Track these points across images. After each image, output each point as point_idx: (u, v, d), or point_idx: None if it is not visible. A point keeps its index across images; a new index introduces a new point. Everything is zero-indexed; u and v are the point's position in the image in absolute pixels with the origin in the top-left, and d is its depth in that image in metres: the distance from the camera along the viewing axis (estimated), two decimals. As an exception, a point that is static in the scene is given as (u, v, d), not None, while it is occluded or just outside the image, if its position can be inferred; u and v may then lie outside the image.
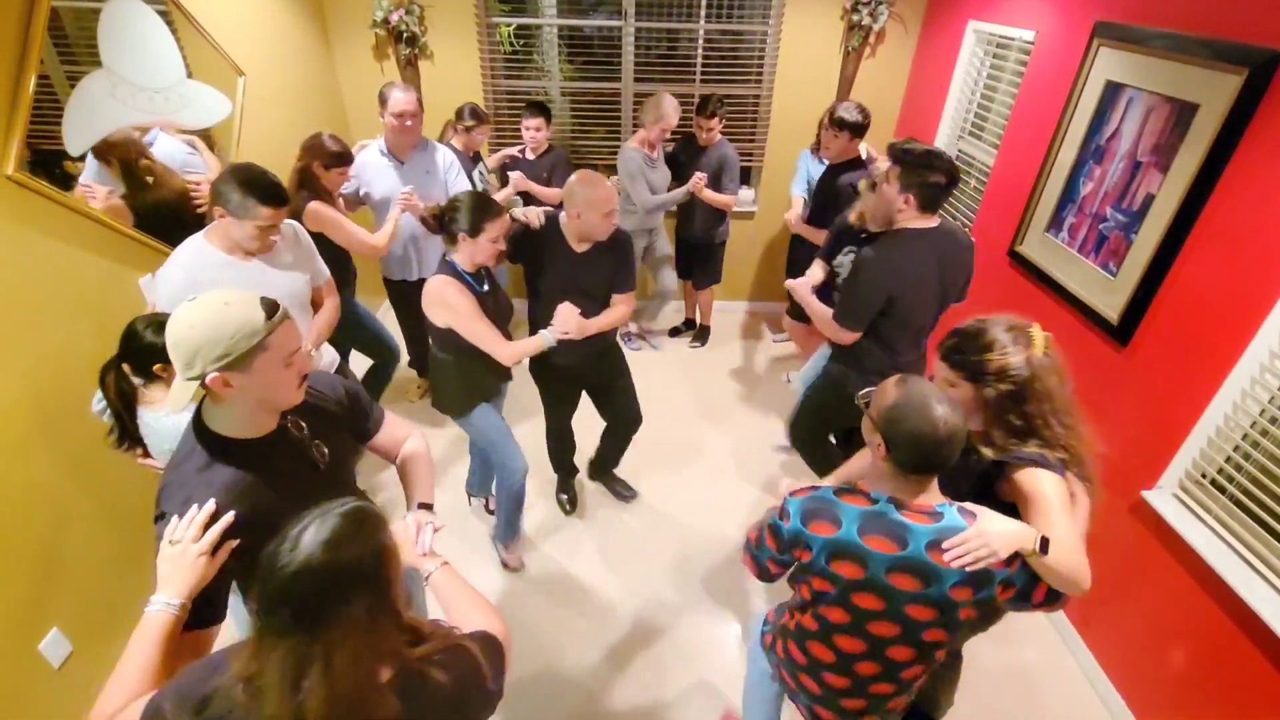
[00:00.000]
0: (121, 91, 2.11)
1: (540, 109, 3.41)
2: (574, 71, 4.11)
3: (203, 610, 1.10)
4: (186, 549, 1.07)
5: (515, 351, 2.17)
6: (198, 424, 1.19)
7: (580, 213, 2.12)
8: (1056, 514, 1.33)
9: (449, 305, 2.04)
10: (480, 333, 2.09)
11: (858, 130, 3.01)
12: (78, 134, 1.96)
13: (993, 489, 1.48)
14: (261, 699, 0.84)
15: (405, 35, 3.62)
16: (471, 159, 3.42)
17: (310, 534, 0.84)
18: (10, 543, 1.74)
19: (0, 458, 1.72)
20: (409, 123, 2.79)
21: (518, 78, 4.02)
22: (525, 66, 4.04)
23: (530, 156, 3.51)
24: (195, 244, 1.93)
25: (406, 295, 3.11)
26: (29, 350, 1.80)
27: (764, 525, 1.43)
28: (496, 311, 2.17)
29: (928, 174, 1.95)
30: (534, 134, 3.42)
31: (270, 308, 1.13)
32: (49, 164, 1.88)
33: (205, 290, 1.11)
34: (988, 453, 1.45)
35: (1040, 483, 1.38)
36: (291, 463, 1.26)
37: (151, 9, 2.22)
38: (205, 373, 1.07)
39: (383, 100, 2.78)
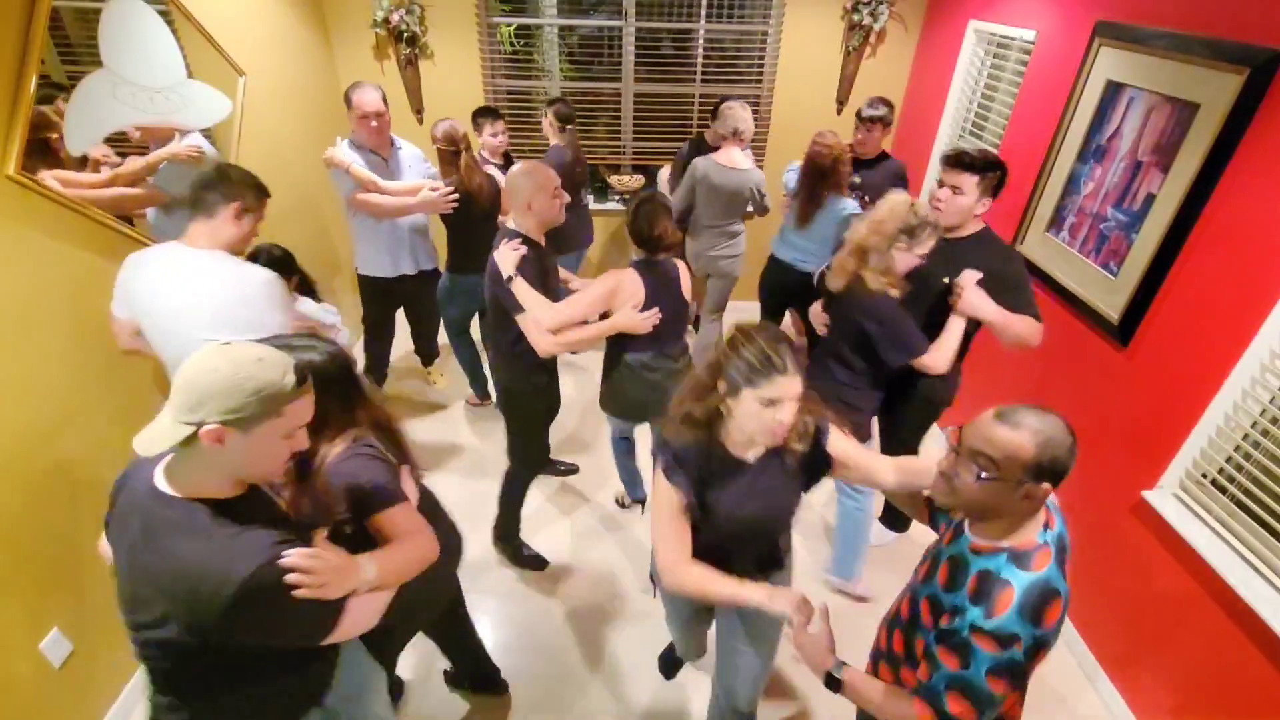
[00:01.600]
0: (122, 92, 2.11)
1: (496, 114, 3.29)
2: (574, 71, 4.11)
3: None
4: (324, 564, 1.10)
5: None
6: (157, 488, 1.08)
7: (531, 201, 2.10)
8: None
9: None
10: None
11: (887, 122, 3.17)
12: (79, 134, 1.97)
13: (818, 477, 1.53)
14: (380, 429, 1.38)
15: (405, 35, 3.62)
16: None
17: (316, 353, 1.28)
18: (10, 542, 1.74)
19: (0, 457, 1.72)
20: (374, 123, 2.76)
21: (518, 77, 4.03)
22: (526, 66, 4.05)
23: (496, 162, 3.35)
24: (219, 254, 1.82)
25: (412, 289, 3.19)
26: (30, 350, 1.80)
27: (967, 685, 1.11)
28: None
29: (998, 173, 2.06)
30: (497, 139, 3.30)
31: (302, 375, 1.09)
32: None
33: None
34: (800, 446, 1.44)
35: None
36: (263, 517, 1.17)
37: (152, 9, 2.22)
38: (206, 422, 0.99)
39: (347, 101, 2.74)
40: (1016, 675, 1.09)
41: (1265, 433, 1.79)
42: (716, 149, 3.45)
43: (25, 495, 1.78)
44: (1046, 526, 1.16)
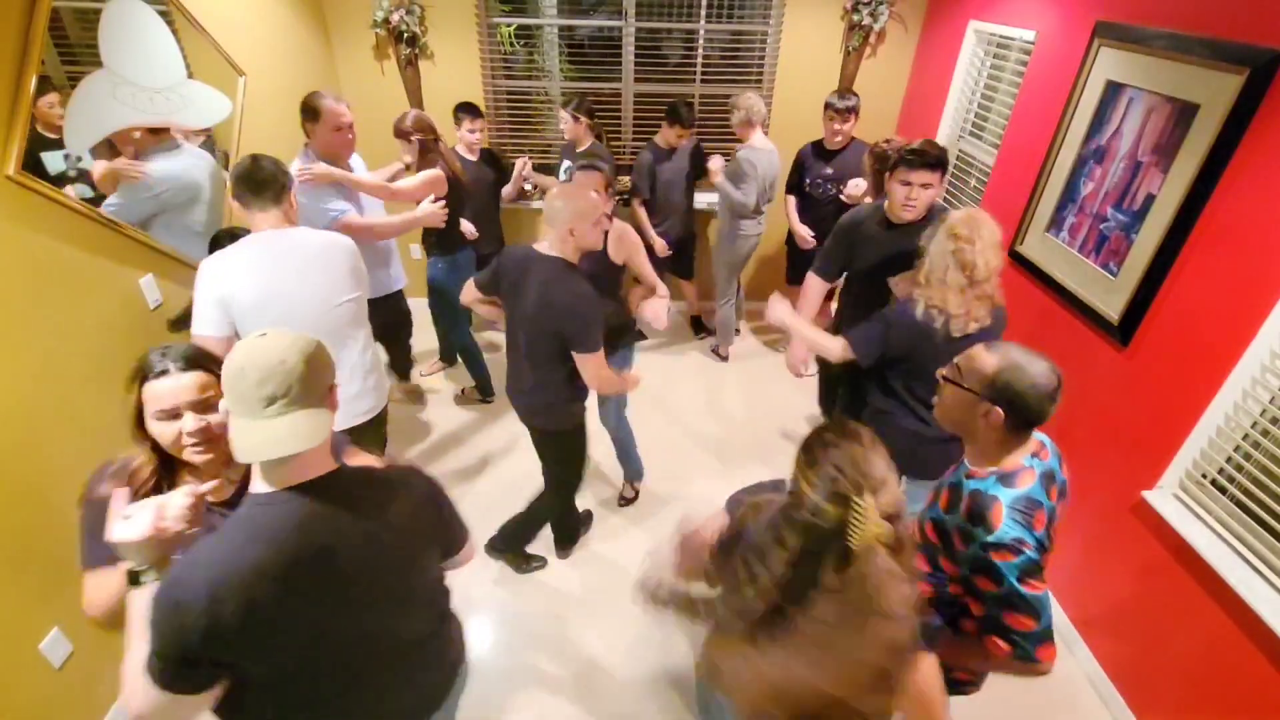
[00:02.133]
0: (122, 92, 2.11)
1: (477, 111, 3.35)
2: (574, 71, 4.11)
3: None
4: None
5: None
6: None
7: (574, 228, 1.96)
8: None
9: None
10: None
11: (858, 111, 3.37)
12: (79, 134, 1.96)
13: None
14: None
15: (405, 35, 3.62)
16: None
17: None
18: (11, 542, 1.74)
19: (0, 457, 1.71)
20: (350, 135, 2.62)
21: (518, 78, 4.02)
22: (526, 66, 4.05)
23: (472, 158, 3.44)
24: (307, 229, 2.03)
25: (388, 308, 3.14)
26: (29, 350, 1.80)
27: (1012, 599, 1.22)
28: None
29: None
30: (475, 135, 3.37)
31: None
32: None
33: None
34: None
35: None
36: None
37: (152, 9, 2.22)
38: (333, 389, 1.07)
39: (316, 112, 2.51)
40: (1039, 573, 1.23)
41: (1265, 433, 1.79)
42: (673, 150, 3.62)
43: (25, 494, 1.78)
44: (1037, 456, 1.32)
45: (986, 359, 1.29)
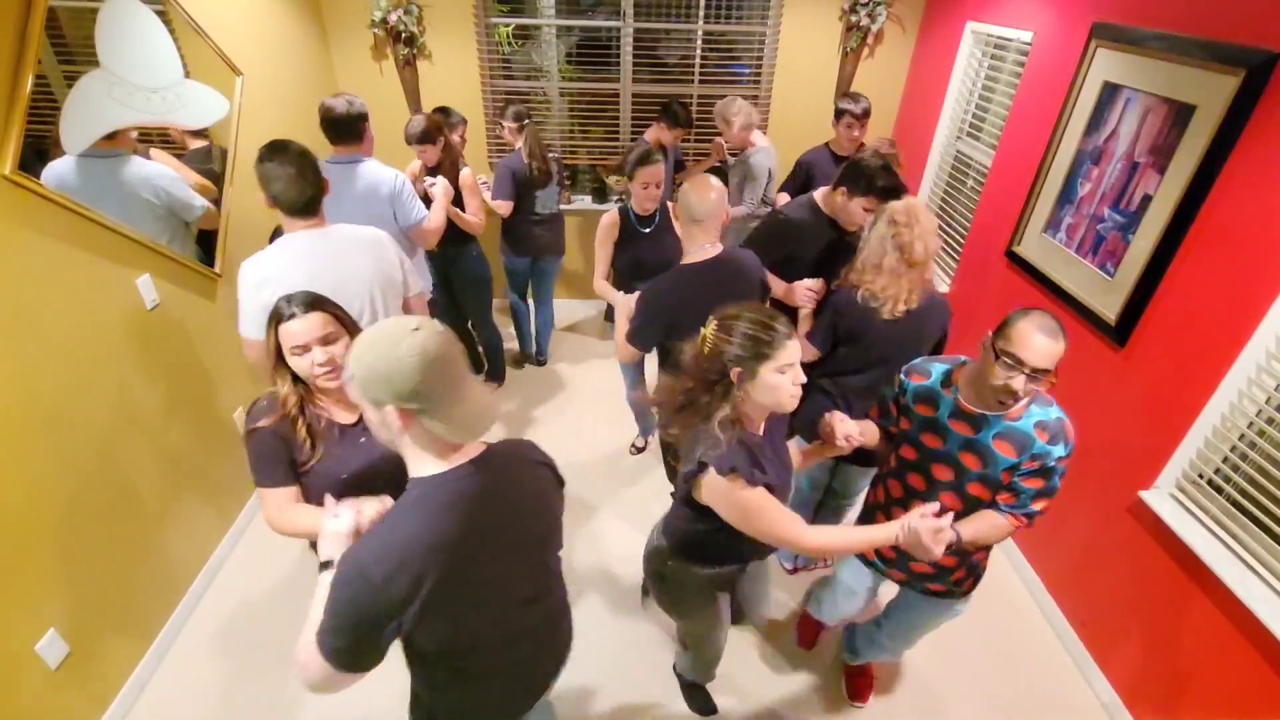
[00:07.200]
0: (119, 91, 2.10)
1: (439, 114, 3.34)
2: (572, 72, 4.11)
3: None
4: None
5: None
6: None
7: (727, 213, 2.07)
8: None
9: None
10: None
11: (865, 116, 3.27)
12: (75, 134, 1.96)
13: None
14: None
15: (404, 35, 3.62)
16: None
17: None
18: (7, 543, 1.74)
19: (-3, 458, 1.71)
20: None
21: (516, 78, 4.02)
22: (524, 67, 4.05)
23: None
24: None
25: None
26: (26, 351, 1.79)
27: (1049, 492, 1.51)
28: None
29: None
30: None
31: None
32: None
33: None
34: None
35: None
36: None
37: (149, 9, 2.21)
38: None
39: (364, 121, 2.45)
40: None
41: (1261, 433, 1.80)
42: (663, 150, 3.57)
43: (22, 495, 1.78)
44: None
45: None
